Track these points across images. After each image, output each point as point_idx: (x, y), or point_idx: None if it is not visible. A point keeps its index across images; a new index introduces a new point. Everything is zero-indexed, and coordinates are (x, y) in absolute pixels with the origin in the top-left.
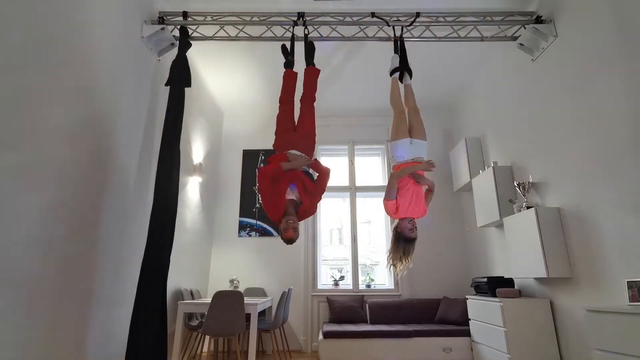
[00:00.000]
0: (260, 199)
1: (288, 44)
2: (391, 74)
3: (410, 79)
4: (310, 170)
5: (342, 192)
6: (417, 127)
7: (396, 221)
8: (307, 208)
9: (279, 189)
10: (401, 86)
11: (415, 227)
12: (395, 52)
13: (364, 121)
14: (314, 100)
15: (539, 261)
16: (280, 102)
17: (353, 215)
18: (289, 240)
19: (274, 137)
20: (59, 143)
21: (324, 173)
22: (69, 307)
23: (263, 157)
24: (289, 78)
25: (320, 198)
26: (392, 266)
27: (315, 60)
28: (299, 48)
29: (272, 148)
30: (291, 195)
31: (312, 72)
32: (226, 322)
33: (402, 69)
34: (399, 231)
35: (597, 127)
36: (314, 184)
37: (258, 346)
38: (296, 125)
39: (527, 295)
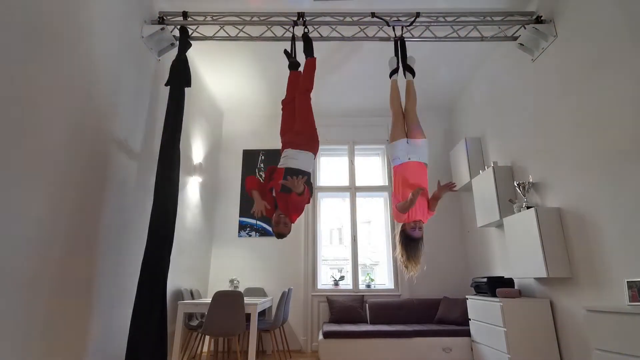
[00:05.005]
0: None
1: (289, 48)
2: (391, 75)
3: (413, 77)
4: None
5: (342, 192)
6: (414, 127)
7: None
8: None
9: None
10: (403, 82)
11: (419, 228)
12: (396, 52)
13: (364, 121)
14: (309, 91)
15: (539, 261)
16: (282, 104)
17: (353, 215)
18: (280, 235)
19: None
20: (59, 143)
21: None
22: (69, 306)
23: (263, 157)
24: (294, 78)
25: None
26: (405, 267)
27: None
28: (300, 49)
29: (272, 148)
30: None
31: (308, 62)
32: (226, 322)
33: (404, 68)
34: (403, 229)
35: (597, 127)
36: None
37: (258, 346)
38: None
39: (527, 295)
